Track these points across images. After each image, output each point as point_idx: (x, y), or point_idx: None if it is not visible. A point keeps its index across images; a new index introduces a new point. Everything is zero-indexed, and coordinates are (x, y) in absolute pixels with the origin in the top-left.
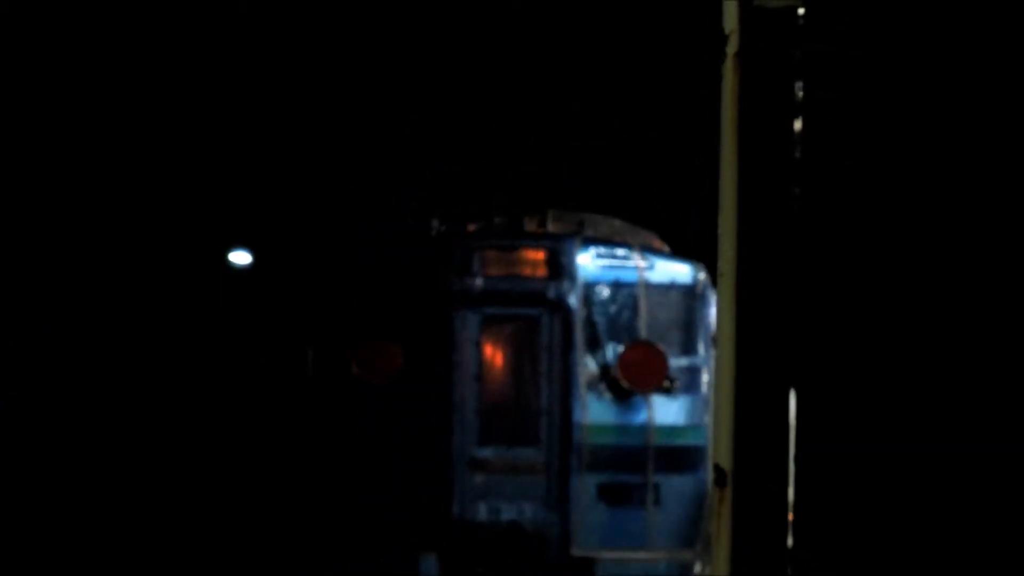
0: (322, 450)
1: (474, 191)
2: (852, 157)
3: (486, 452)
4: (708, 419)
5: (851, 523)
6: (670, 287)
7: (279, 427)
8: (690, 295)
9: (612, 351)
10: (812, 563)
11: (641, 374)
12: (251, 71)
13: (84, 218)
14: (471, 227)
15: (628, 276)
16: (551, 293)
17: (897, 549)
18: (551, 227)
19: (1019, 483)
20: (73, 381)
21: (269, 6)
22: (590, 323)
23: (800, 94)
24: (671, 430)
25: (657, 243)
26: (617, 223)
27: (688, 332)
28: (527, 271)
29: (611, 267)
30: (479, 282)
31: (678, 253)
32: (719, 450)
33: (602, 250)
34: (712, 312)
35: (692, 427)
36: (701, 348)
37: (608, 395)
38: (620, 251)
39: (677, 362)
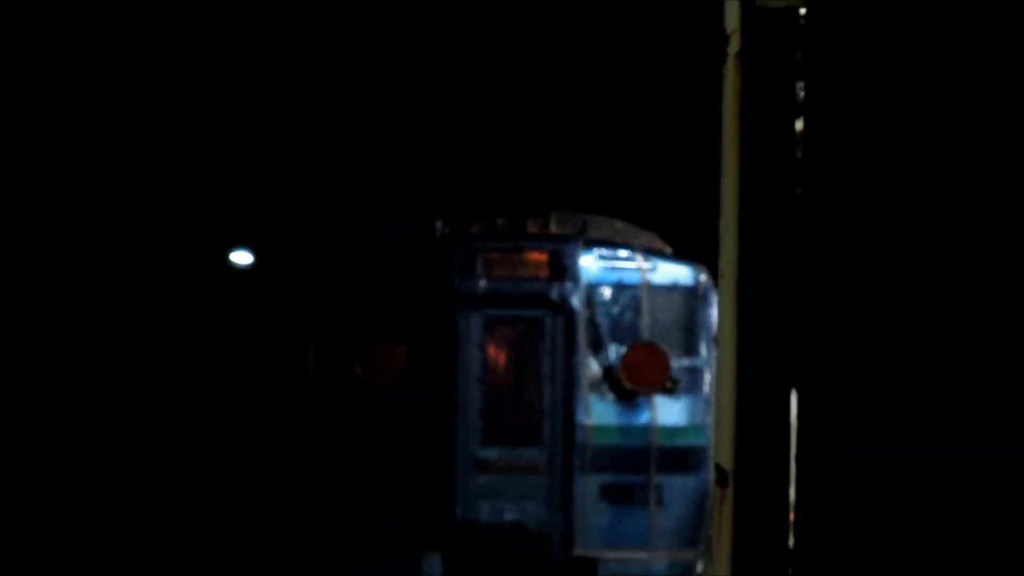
0: (326, 450)
1: (475, 191)
2: (853, 157)
3: (489, 453)
4: (710, 420)
5: (852, 523)
6: (672, 288)
7: (282, 427)
8: (692, 296)
9: (615, 352)
10: (813, 563)
11: (643, 375)
12: (252, 71)
13: (84, 218)
14: (474, 229)
15: (630, 277)
16: (554, 294)
17: (897, 549)
18: (554, 229)
19: (1019, 483)
20: (73, 381)
21: (269, 6)
22: (593, 324)
23: (801, 94)
24: (673, 431)
25: (659, 244)
26: (619, 224)
27: (690, 333)
28: (530, 273)
29: (614, 269)
30: (482, 283)
31: (679, 253)
32: (720, 450)
33: (605, 252)
34: (714, 313)
35: (694, 428)
36: (703, 349)
37: (611, 396)
38: (622, 252)
39: (679, 363)
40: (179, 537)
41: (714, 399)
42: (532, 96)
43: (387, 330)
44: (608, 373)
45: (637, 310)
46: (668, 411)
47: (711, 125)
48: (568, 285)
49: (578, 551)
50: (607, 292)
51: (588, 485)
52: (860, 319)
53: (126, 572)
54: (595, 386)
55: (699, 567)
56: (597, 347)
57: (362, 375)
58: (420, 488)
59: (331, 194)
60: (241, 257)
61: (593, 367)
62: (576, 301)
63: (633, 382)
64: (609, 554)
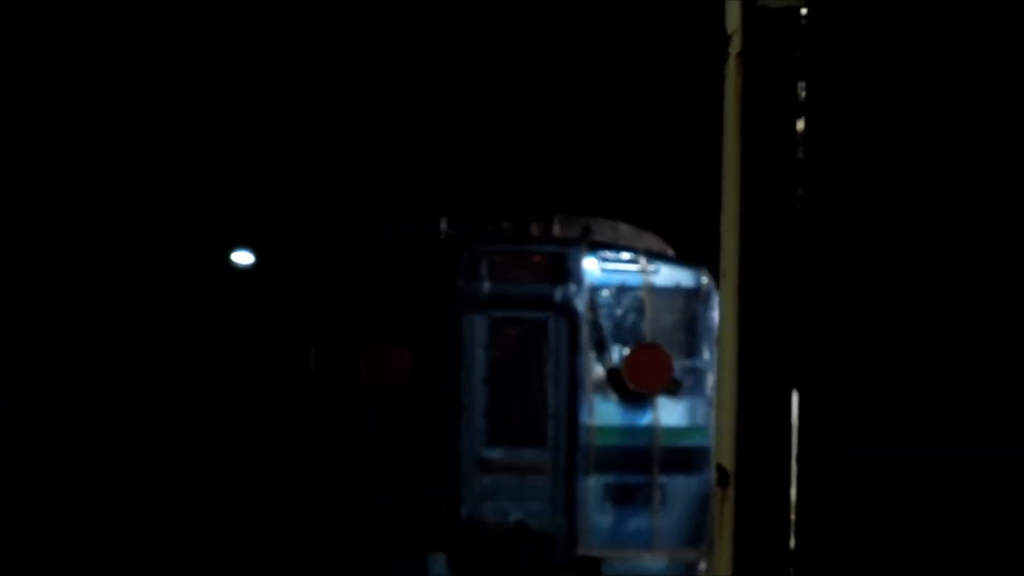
0: (329, 450)
1: (475, 191)
2: (854, 157)
3: (494, 453)
4: (712, 420)
5: (853, 523)
6: (675, 290)
7: (286, 427)
8: (694, 298)
9: (618, 354)
10: (814, 562)
11: (646, 376)
12: (253, 72)
13: (84, 218)
14: (479, 232)
15: (633, 280)
16: (558, 297)
17: (898, 549)
18: (557, 232)
19: (1019, 483)
20: (73, 381)
21: (270, 6)
22: (596, 326)
23: (802, 94)
24: (676, 431)
25: (662, 247)
26: (622, 227)
27: (693, 335)
28: (534, 275)
29: (616, 271)
30: (487, 286)
31: (680, 254)
32: (722, 450)
33: (608, 254)
34: (716, 315)
35: (697, 428)
36: (706, 350)
37: (614, 397)
38: (625, 255)
39: (682, 364)
40: (179, 537)
41: (715, 400)
42: (532, 96)
43: (392, 331)
44: (611, 374)
45: (640, 312)
46: (671, 412)
47: (712, 125)
48: (572, 287)
49: (582, 551)
50: (610, 294)
51: (592, 485)
52: (861, 319)
53: (126, 572)
54: (598, 387)
55: (702, 566)
56: (600, 349)
57: (366, 376)
58: (425, 488)
59: (332, 194)
60: (242, 257)
61: (596, 368)
62: (580, 303)
63: (636, 383)
64: (613, 554)
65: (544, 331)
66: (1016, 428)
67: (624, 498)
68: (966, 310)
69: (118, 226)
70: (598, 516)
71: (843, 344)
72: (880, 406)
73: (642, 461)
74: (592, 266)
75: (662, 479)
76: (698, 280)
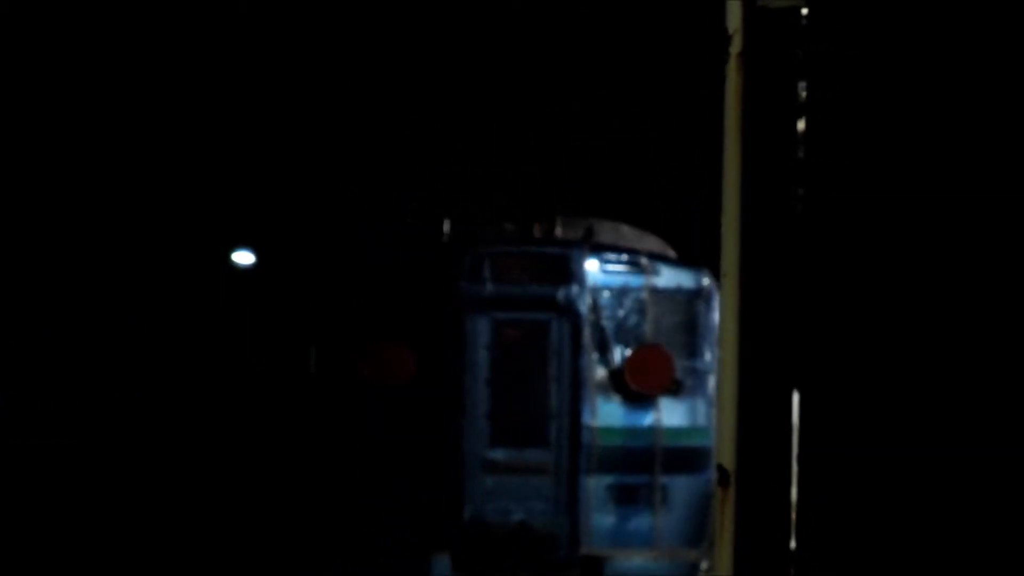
0: (332, 451)
1: (475, 191)
2: (855, 157)
3: (497, 454)
4: (714, 421)
5: (854, 523)
6: (676, 292)
7: (287, 428)
8: (696, 299)
9: (620, 354)
10: (815, 563)
11: (648, 377)
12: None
13: (85, 218)
14: (481, 233)
15: (635, 281)
16: (560, 298)
17: (899, 549)
18: (560, 233)
19: (1019, 483)
20: (73, 381)
21: (270, 6)
22: (598, 327)
23: (803, 94)
24: (678, 432)
25: (663, 249)
26: (624, 229)
27: (694, 336)
28: (537, 277)
29: (619, 272)
30: (490, 287)
31: (679, 253)
32: (722, 450)
33: (610, 256)
34: (717, 316)
35: (698, 429)
36: (707, 351)
37: (616, 398)
38: (627, 257)
39: (683, 365)
40: (179, 537)
41: (716, 400)
42: (532, 96)
43: (397, 333)
44: (613, 375)
45: (642, 313)
46: (673, 412)
47: (712, 125)
48: (574, 289)
49: (584, 550)
50: (612, 296)
51: (594, 485)
52: (862, 319)
53: (126, 572)
54: (601, 388)
55: (703, 566)
56: (603, 350)
57: (369, 376)
58: (428, 489)
59: (332, 194)
60: (242, 257)
61: (599, 369)
62: (582, 305)
63: (638, 384)
64: (615, 553)
65: (547, 332)
66: (1016, 428)
67: (626, 498)
68: (967, 310)
69: (118, 226)
70: (600, 516)
71: (844, 344)
72: (881, 406)
73: (644, 461)
74: (594, 267)
75: (664, 479)
76: (699, 281)
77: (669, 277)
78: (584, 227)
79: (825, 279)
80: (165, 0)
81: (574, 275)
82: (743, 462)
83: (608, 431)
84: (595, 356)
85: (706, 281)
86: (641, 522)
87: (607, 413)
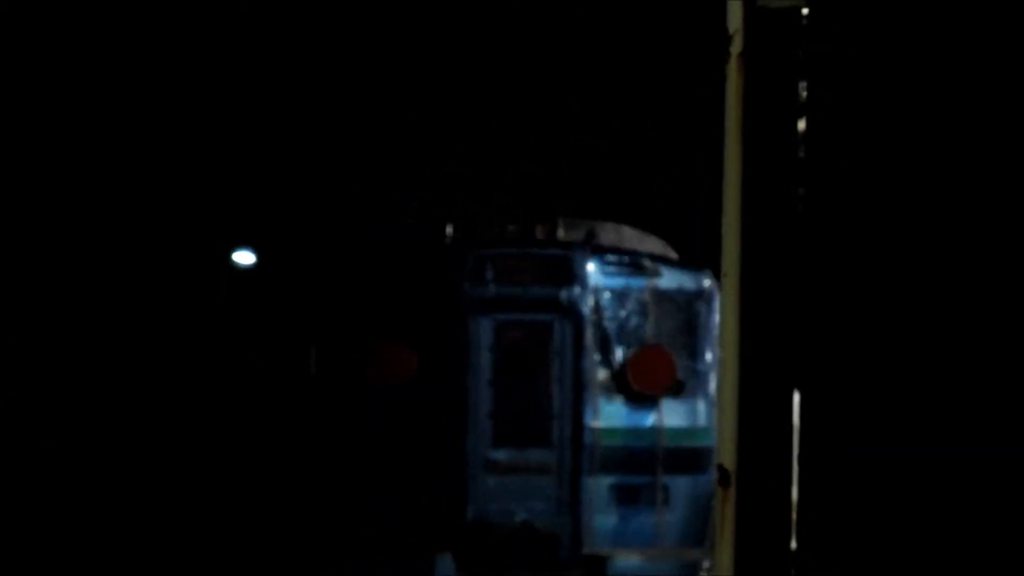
0: (335, 452)
1: (476, 192)
2: (856, 157)
3: (500, 454)
4: (715, 421)
5: (854, 523)
6: (678, 293)
7: (292, 428)
8: (697, 300)
9: (622, 355)
10: (815, 563)
11: (650, 377)
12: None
13: (85, 218)
14: (484, 235)
15: (637, 282)
16: (562, 299)
17: (900, 549)
18: (562, 235)
19: (1020, 483)
20: (73, 381)
21: (269, 6)
22: (600, 328)
23: (804, 94)
24: (680, 432)
25: (665, 250)
26: (626, 230)
27: (696, 336)
28: (539, 278)
29: (620, 274)
30: (492, 289)
31: (680, 253)
32: (723, 450)
33: (612, 257)
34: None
35: (700, 429)
36: (708, 352)
37: (618, 398)
38: (629, 258)
39: (685, 366)
40: (185, 537)
41: (717, 400)
42: (532, 96)
43: (397, 333)
44: (616, 376)
45: (644, 314)
46: (674, 413)
47: (712, 125)
48: (576, 290)
49: (587, 550)
50: (614, 297)
51: (597, 486)
52: (863, 319)
53: (126, 572)
54: (603, 389)
55: (705, 565)
56: (605, 350)
57: (372, 377)
58: (431, 489)
59: (332, 194)
60: (243, 257)
61: (601, 370)
62: (584, 306)
63: (640, 385)
64: (617, 553)
65: (549, 333)
66: (1016, 428)
67: (629, 498)
68: (968, 310)
69: (118, 226)
70: (603, 516)
71: (845, 344)
72: (882, 406)
73: (646, 461)
74: (596, 269)
75: (666, 479)
76: (700, 282)
77: (671, 278)
78: (586, 229)
79: (826, 279)
80: (165, 0)
81: (576, 276)
82: (744, 462)
83: (610, 431)
84: (597, 357)
85: (707, 282)
86: (643, 522)
87: (609, 414)
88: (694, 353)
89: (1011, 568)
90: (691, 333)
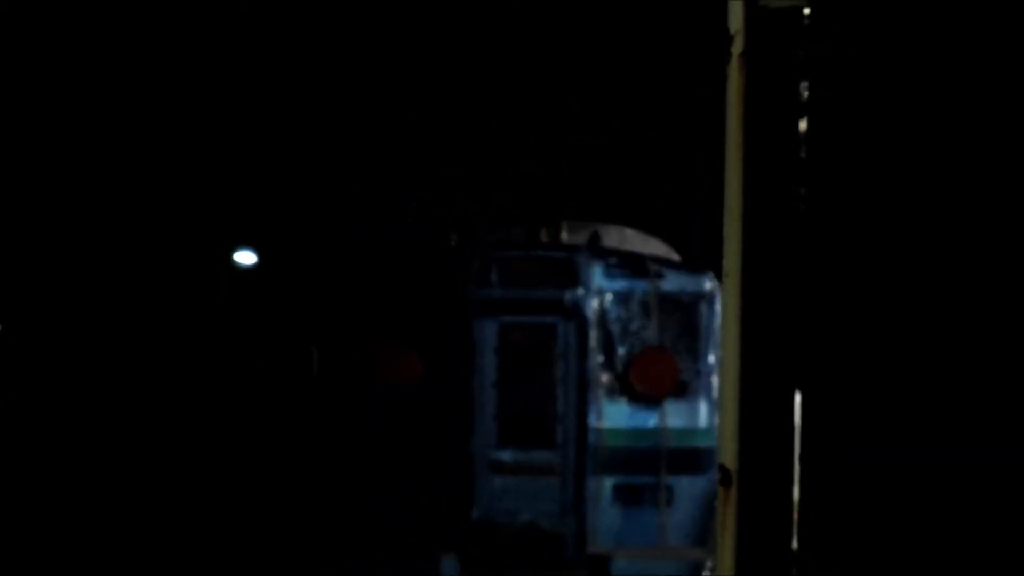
0: (341, 452)
1: (476, 192)
2: (857, 157)
3: (504, 455)
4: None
5: (856, 524)
6: (681, 295)
7: (295, 429)
8: (700, 302)
9: (626, 357)
10: (817, 563)
11: (653, 379)
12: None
13: (85, 218)
14: (489, 238)
15: (640, 285)
16: (567, 302)
17: (901, 550)
18: (565, 238)
19: (1020, 483)
20: (73, 381)
21: (269, 6)
22: (604, 330)
23: (805, 94)
24: (683, 433)
25: (668, 252)
26: (629, 233)
27: (699, 338)
28: (543, 281)
29: (624, 276)
30: (497, 292)
31: (680, 252)
32: (724, 450)
33: (615, 260)
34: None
35: (703, 430)
36: (711, 353)
37: (622, 399)
38: (632, 260)
39: (688, 367)
40: (185, 538)
41: (718, 400)
42: (532, 96)
43: (407, 337)
44: (619, 378)
45: (647, 316)
46: (677, 414)
47: (712, 125)
48: (580, 292)
49: (591, 550)
50: (618, 299)
51: (600, 486)
52: (864, 319)
53: (126, 572)
54: (607, 390)
55: (709, 565)
56: (608, 352)
57: (378, 378)
58: (436, 490)
59: (333, 194)
60: (244, 257)
61: (605, 372)
62: (588, 308)
63: (643, 386)
64: (621, 553)
65: (553, 335)
66: (1016, 428)
67: (632, 498)
68: (969, 310)
69: (118, 226)
70: (607, 516)
71: (846, 344)
72: (883, 406)
73: (650, 462)
74: (600, 272)
75: (669, 480)
76: (703, 285)
77: (674, 281)
78: (590, 231)
79: (827, 279)
80: (165, 0)
81: (580, 279)
82: (745, 462)
83: (614, 432)
84: (601, 359)
85: (710, 284)
86: (647, 522)
87: (613, 415)
88: (697, 354)
89: (1011, 568)
90: (694, 335)
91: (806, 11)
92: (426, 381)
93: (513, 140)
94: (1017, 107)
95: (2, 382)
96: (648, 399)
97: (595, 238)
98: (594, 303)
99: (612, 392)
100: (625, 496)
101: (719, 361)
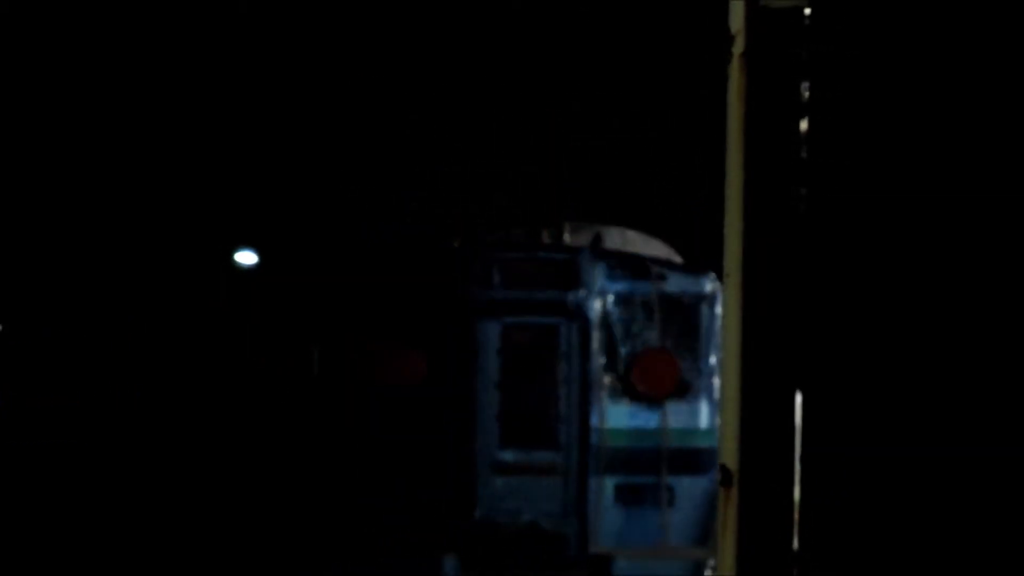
0: (344, 452)
1: (475, 192)
2: (858, 157)
3: (507, 455)
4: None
5: (856, 524)
6: (682, 296)
7: (297, 429)
8: (701, 303)
9: (627, 358)
10: (817, 563)
11: (655, 380)
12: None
13: (85, 218)
14: (491, 239)
15: (642, 286)
16: (569, 303)
17: (902, 550)
18: (568, 239)
19: (1020, 483)
20: (73, 381)
21: (270, 6)
22: (606, 331)
23: (806, 94)
24: (684, 433)
25: (669, 254)
26: (631, 234)
27: (700, 339)
28: (545, 282)
29: (626, 277)
30: (499, 293)
31: (680, 252)
32: (725, 450)
33: (617, 261)
34: None
35: (705, 430)
36: (713, 354)
37: (624, 400)
38: (634, 262)
39: (690, 368)
40: (184, 538)
41: (719, 400)
42: (533, 96)
43: (411, 338)
44: (621, 378)
45: (649, 317)
46: (679, 415)
47: (713, 125)
48: (582, 293)
49: (593, 550)
50: (620, 300)
51: (602, 486)
52: (865, 320)
53: (126, 572)
54: (609, 391)
55: (711, 564)
56: (610, 353)
57: (380, 378)
58: (438, 490)
59: (333, 194)
60: (245, 257)
61: (607, 372)
62: (590, 309)
63: (645, 387)
64: (623, 553)
65: (555, 336)
66: (1016, 428)
67: (634, 499)
68: (970, 310)
69: (119, 226)
70: (609, 516)
71: (847, 344)
72: (884, 406)
73: (651, 462)
74: (602, 273)
75: (671, 480)
76: (704, 286)
77: (675, 282)
78: (592, 233)
79: (828, 279)
80: (166, 0)
81: (582, 280)
82: (746, 462)
83: (616, 433)
84: (603, 360)
85: (711, 285)
86: (648, 522)
87: (615, 415)
88: (698, 355)
89: (1011, 568)
90: (695, 336)
91: (807, 11)
92: (429, 381)
93: (513, 140)
94: (1017, 107)
95: (2, 382)
96: (650, 400)
97: (597, 239)
98: (596, 304)
99: (614, 393)
100: (627, 496)
101: (720, 362)
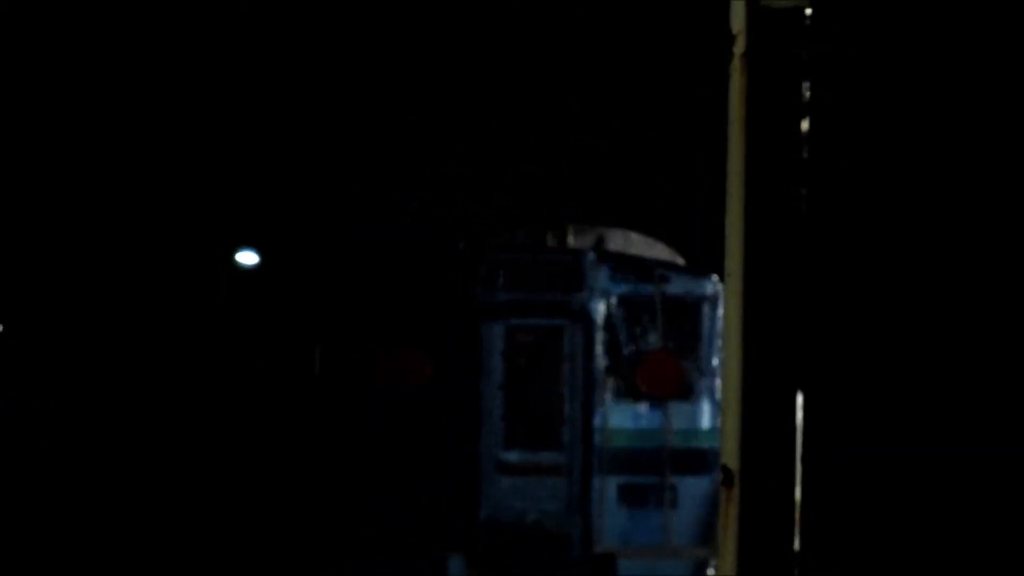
0: (347, 453)
1: (476, 192)
2: (859, 157)
3: (511, 456)
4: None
5: (857, 524)
6: (685, 297)
7: (298, 429)
8: (704, 305)
9: (630, 359)
10: (818, 563)
11: (658, 381)
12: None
13: (86, 218)
14: (495, 242)
15: (645, 288)
16: (572, 305)
17: (903, 550)
18: (571, 242)
19: (1020, 483)
20: (73, 381)
21: (270, 6)
22: (610, 333)
23: (807, 94)
24: (687, 433)
25: (672, 256)
26: (634, 237)
27: (702, 340)
28: (550, 284)
29: (629, 279)
30: (504, 295)
31: (681, 252)
32: (726, 451)
33: (621, 263)
34: None
35: (707, 431)
36: (715, 355)
37: (627, 401)
38: (637, 264)
39: (692, 369)
40: (184, 539)
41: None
42: (533, 96)
43: (417, 340)
44: (624, 379)
45: (652, 319)
46: (682, 415)
47: (714, 125)
48: (586, 295)
49: (597, 549)
50: (623, 302)
51: (606, 486)
52: (866, 320)
53: (126, 572)
54: (612, 392)
55: (713, 563)
56: (614, 354)
57: (386, 380)
58: (444, 490)
59: (333, 194)
60: (246, 257)
61: (610, 374)
62: (594, 311)
63: (648, 388)
64: (627, 552)
65: (559, 338)
66: (1017, 428)
67: (637, 499)
68: (970, 310)
69: (119, 226)
70: (612, 516)
71: (848, 344)
72: (885, 407)
73: (655, 462)
74: (606, 275)
75: (674, 480)
76: (707, 288)
77: (678, 284)
78: (595, 235)
79: (829, 279)
80: (166, 0)
81: (586, 282)
82: (747, 462)
83: (619, 433)
84: (606, 361)
85: (713, 288)
86: (652, 522)
87: (618, 416)
88: (700, 356)
89: (1011, 568)
90: (697, 337)
91: (808, 11)
92: (434, 382)
93: (514, 140)
94: (1017, 107)
95: (2, 382)
96: (652, 400)
97: (600, 242)
98: (600, 306)
99: (617, 394)
100: (630, 496)
101: (722, 363)
